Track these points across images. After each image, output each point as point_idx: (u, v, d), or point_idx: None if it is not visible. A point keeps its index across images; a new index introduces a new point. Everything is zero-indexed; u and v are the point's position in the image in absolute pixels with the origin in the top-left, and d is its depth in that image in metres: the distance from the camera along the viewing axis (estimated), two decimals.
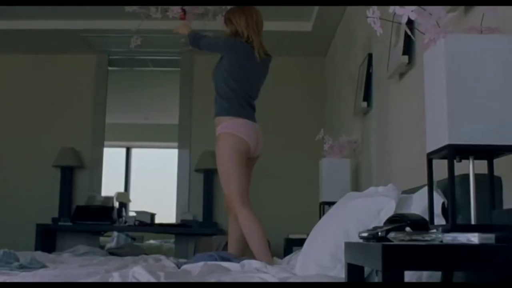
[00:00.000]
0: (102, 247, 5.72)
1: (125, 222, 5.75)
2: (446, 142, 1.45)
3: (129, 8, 4.19)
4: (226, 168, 3.45)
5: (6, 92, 6.20)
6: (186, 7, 4.09)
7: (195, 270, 2.51)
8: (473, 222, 1.49)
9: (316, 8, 4.95)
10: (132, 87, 6.95)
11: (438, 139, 1.51)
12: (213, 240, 5.01)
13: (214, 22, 4.07)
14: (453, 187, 1.47)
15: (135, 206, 6.47)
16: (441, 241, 1.41)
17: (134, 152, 7.62)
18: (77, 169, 6.02)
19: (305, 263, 2.29)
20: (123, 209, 6.02)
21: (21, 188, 5.98)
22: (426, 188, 1.83)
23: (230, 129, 3.47)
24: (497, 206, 1.66)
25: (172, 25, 4.24)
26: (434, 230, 1.51)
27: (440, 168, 1.68)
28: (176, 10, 4.10)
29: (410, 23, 1.69)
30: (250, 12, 3.66)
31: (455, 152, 1.47)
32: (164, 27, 4.92)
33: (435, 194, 1.73)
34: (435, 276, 1.72)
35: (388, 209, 2.06)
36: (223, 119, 3.51)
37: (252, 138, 3.50)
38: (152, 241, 6.55)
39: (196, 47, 3.79)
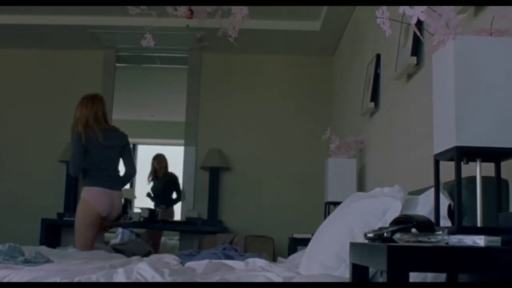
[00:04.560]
0: (106, 243, 5.72)
1: (130, 218, 5.76)
2: (453, 144, 1.45)
3: (132, 11, 4.20)
4: (75, 226, 4.23)
5: (12, 87, 6.21)
6: (193, 7, 4.11)
7: (200, 267, 2.52)
8: (479, 225, 1.49)
9: (325, 8, 4.95)
10: (140, 84, 6.96)
11: (445, 140, 1.50)
12: (218, 238, 5.02)
13: (224, 20, 4.07)
14: (459, 189, 1.47)
15: (140, 202, 6.49)
16: (447, 243, 1.41)
17: (140, 148, 7.64)
18: None
19: (309, 263, 2.28)
20: (128, 205, 6.02)
21: (27, 182, 5.99)
22: (432, 190, 1.83)
23: (84, 196, 4.22)
24: (504, 209, 1.65)
25: (181, 23, 4.24)
26: (440, 232, 1.51)
27: (447, 169, 1.68)
28: (183, 10, 4.13)
29: (419, 24, 1.69)
30: (88, 103, 4.28)
31: (462, 154, 1.47)
32: (172, 25, 4.95)
33: (441, 196, 1.72)
34: (440, 278, 1.71)
35: (394, 210, 2.05)
36: (83, 189, 4.29)
37: (103, 203, 4.20)
38: None
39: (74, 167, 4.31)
